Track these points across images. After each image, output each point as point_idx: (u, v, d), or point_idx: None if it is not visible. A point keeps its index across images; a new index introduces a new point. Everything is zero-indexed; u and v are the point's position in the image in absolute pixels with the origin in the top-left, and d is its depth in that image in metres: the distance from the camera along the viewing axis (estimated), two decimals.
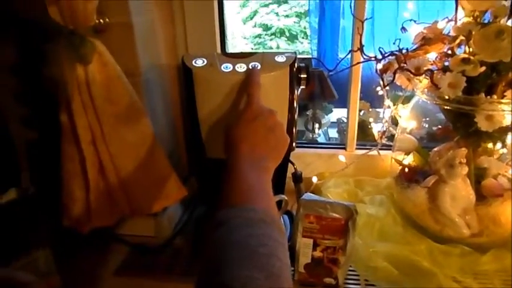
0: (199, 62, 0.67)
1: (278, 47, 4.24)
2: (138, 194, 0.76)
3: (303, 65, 0.70)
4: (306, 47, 4.10)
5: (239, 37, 4.32)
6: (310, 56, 3.21)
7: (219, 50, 0.97)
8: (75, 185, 0.72)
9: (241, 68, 0.66)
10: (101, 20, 0.70)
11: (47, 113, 0.73)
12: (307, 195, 0.69)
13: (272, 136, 0.57)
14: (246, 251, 0.40)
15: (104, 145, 0.70)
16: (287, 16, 4.22)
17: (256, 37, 4.33)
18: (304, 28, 4.12)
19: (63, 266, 0.70)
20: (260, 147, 0.55)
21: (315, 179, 0.96)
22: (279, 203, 0.79)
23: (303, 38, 4.22)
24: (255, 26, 4.31)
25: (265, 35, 4.30)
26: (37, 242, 0.71)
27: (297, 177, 0.83)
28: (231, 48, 3.25)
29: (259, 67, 0.66)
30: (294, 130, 0.71)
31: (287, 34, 4.25)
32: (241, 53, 0.69)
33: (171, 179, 0.78)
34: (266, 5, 4.26)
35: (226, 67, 0.66)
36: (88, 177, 0.71)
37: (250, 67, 0.66)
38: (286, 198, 0.79)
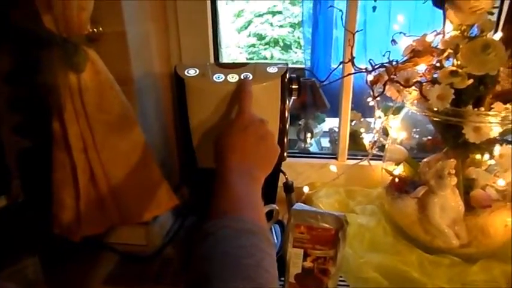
0: (192, 72, 0.68)
1: (272, 57, 4.26)
2: (129, 203, 0.76)
3: (294, 76, 0.71)
4: (299, 57, 4.13)
5: (233, 46, 4.34)
6: (303, 66, 3.23)
7: (212, 60, 0.97)
8: (66, 193, 0.71)
9: (233, 78, 0.66)
10: (95, 29, 0.70)
11: (39, 120, 0.73)
12: (298, 205, 0.69)
13: (262, 146, 0.57)
14: (233, 263, 0.40)
15: (96, 153, 0.70)
16: (281, 26, 4.26)
17: (250, 46, 4.35)
18: (298, 38, 4.16)
19: (52, 275, 0.70)
20: (250, 157, 0.55)
21: (306, 189, 0.97)
22: (270, 213, 0.79)
23: (296, 47, 4.26)
24: (249, 35, 4.34)
25: (260, 44, 4.34)
26: (26, 250, 0.70)
27: (288, 187, 0.83)
28: (225, 57, 3.27)
29: (251, 78, 0.66)
30: (285, 140, 0.72)
31: (281, 44, 4.28)
32: (234, 63, 0.70)
33: (163, 188, 0.78)
34: (261, 15, 4.30)
35: (218, 77, 0.67)
36: (79, 185, 0.71)
37: (242, 77, 0.66)
38: (277, 207, 0.79)
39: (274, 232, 0.86)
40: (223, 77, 0.66)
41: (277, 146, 0.60)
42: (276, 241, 0.83)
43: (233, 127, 0.57)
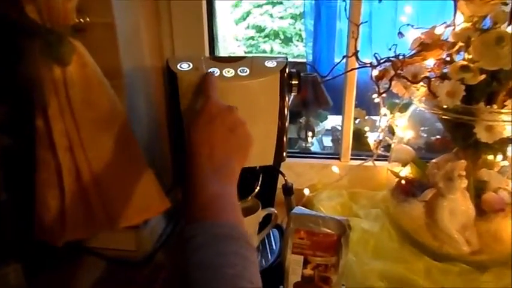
0: (185, 66, 0.67)
1: (272, 50, 4.27)
2: (118, 205, 0.75)
3: (294, 70, 0.70)
4: (301, 50, 4.13)
5: (231, 39, 4.34)
6: (304, 60, 3.24)
7: (207, 53, 0.97)
8: (50, 194, 0.71)
9: (229, 73, 0.66)
10: (81, 19, 0.69)
11: (21, 117, 0.73)
12: (298, 209, 0.69)
13: (233, 136, 0.55)
14: (212, 274, 0.39)
15: (82, 152, 0.70)
16: (282, 18, 4.26)
17: (249, 39, 4.35)
18: (300, 30, 4.16)
19: (35, 282, 0.69)
20: (220, 151, 0.53)
21: (306, 191, 0.97)
22: (268, 217, 0.79)
23: (297, 40, 4.26)
24: (248, 27, 4.33)
25: (259, 37, 4.33)
26: (7, 255, 0.70)
27: (288, 189, 0.83)
28: (222, 51, 3.26)
29: (248, 72, 0.66)
30: (284, 139, 0.72)
31: (281, 36, 4.28)
32: (230, 57, 0.70)
33: (154, 190, 0.78)
34: (260, 6, 4.29)
35: (214, 72, 0.66)
36: (63, 186, 0.70)
37: (239, 72, 0.66)
38: (275, 211, 0.79)
39: (272, 237, 0.85)
40: (218, 72, 0.66)
41: (249, 134, 0.57)
42: (274, 247, 0.83)
43: (199, 120, 0.55)
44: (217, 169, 0.51)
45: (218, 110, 0.56)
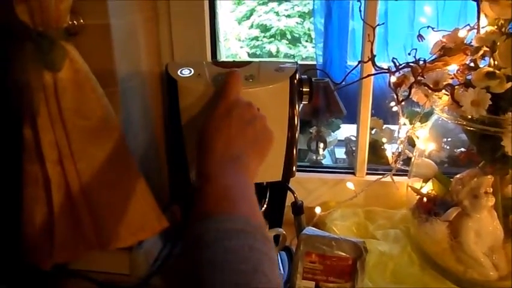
0: (186, 72, 0.69)
1: (278, 51, 4.29)
2: (110, 224, 0.76)
3: (305, 76, 0.72)
4: (310, 52, 4.16)
5: (233, 39, 4.37)
6: (314, 63, 3.25)
7: (209, 56, 0.99)
8: (37, 212, 0.72)
9: None
10: (75, 21, 0.71)
11: (7, 126, 0.74)
12: (309, 230, 0.70)
13: (250, 129, 0.58)
14: (224, 271, 0.40)
15: (72, 165, 0.71)
16: (289, 16, 4.29)
17: (253, 39, 4.39)
18: (308, 30, 4.19)
19: None
20: (236, 142, 0.56)
21: (318, 210, 0.97)
22: (276, 238, 0.79)
23: (306, 41, 4.29)
24: (251, 26, 4.37)
25: (264, 37, 4.37)
26: None
27: (298, 208, 0.83)
28: (223, 52, 3.28)
29: (254, 79, 0.67)
30: (294, 152, 0.73)
31: (288, 36, 4.31)
32: (234, 61, 0.71)
33: (150, 207, 0.79)
34: (265, 3, 4.33)
35: (217, 78, 0.67)
36: (52, 203, 0.71)
37: (245, 78, 0.67)
38: (284, 232, 0.79)
39: (280, 261, 0.86)
40: (222, 78, 0.67)
41: (269, 129, 0.61)
42: (282, 271, 0.83)
43: (215, 112, 0.58)
44: (231, 161, 0.54)
45: (236, 104, 0.59)
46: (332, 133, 1.66)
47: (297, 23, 4.30)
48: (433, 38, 0.80)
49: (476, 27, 0.74)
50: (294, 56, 4.26)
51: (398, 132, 0.94)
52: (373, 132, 1.04)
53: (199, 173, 0.54)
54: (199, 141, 0.57)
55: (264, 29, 4.35)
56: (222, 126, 0.57)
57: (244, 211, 0.48)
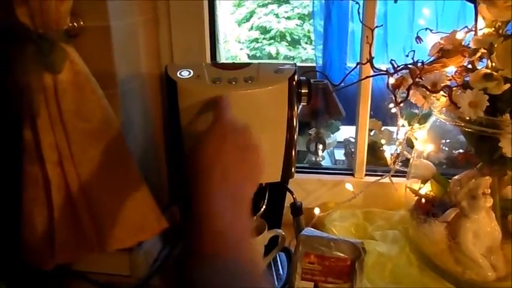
0: (185, 74, 0.69)
1: (278, 53, 4.30)
2: (109, 225, 0.76)
3: (304, 78, 0.72)
4: (309, 54, 4.17)
5: (233, 41, 4.38)
6: (313, 65, 3.26)
7: (209, 58, 0.99)
8: (37, 213, 0.72)
9: (233, 81, 0.68)
10: (75, 23, 0.72)
11: (7, 128, 0.74)
12: (308, 230, 0.70)
13: (246, 160, 0.55)
14: None
15: (72, 167, 0.72)
16: (288, 18, 4.30)
17: (252, 41, 4.39)
18: (308, 32, 4.20)
19: None
20: (234, 173, 0.53)
21: (317, 211, 0.97)
22: (275, 239, 0.80)
23: (306, 43, 4.29)
24: (251, 28, 4.38)
25: (263, 39, 4.37)
26: None
27: (296, 209, 0.83)
28: (223, 54, 3.29)
29: (253, 80, 0.68)
30: (293, 153, 0.73)
31: (288, 38, 4.32)
32: (234, 63, 0.72)
33: (149, 208, 0.79)
34: (265, 5, 4.34)
35: (216, 80, 0.68)
36: (53, 205, 0.72)
37: (244, 80, 0.68)
38: (283, 233, 0.79)
39: (279, 262, 0.86)
40: (222, 80, 0.68)
41: (262, 158, 0.58)
42: (281, 272, 0.84)
43: (209, 137, 0.55)
44: (229, 196, 0.51)
45: (231, 127, 0.57)
46: (331, 135, 1.67)
47: (296, 25, 4.30)
48: (431, 40, 0.80)
49: (474, 29, 0.74)
50: (293, 58, 4.27)
51: (397, 133, 0.94)
52: (372, 133, 1.04)
53: (196, 204, 0.50)
54: (193, 166, 0.54)
55: (264, 31, 4.36)
56: (217, 155, 0.53)
57: (244, 253, 0.47)
